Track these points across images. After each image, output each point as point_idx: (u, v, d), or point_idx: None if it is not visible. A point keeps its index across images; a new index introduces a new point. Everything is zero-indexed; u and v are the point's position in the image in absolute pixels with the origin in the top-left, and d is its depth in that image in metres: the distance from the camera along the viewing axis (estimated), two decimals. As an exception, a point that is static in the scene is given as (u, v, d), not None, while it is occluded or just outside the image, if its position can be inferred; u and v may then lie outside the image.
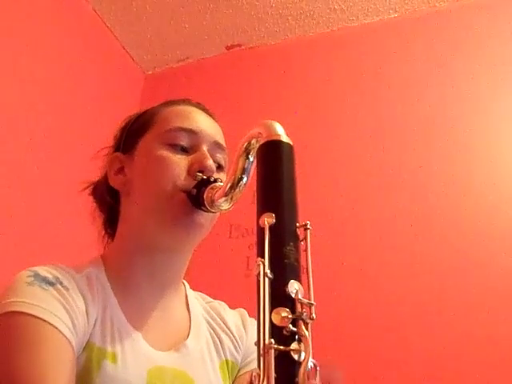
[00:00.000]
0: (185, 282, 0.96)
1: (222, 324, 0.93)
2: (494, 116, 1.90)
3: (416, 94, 2.04)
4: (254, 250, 1.98)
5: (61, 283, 0.75)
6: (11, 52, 1.80)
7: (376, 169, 1.96)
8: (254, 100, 2.28)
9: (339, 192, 1.96)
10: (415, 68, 2.09)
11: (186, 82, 2.40)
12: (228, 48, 2.42)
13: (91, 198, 0.98)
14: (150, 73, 2.54)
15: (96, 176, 0.97)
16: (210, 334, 0.90)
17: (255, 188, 0.65)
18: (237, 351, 0.91)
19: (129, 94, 2.41)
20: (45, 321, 0.69)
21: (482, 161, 1.84)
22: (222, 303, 0.99)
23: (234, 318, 0.96)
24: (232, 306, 1.00)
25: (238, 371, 0.91)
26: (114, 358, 0.75)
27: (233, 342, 0.92)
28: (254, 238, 2.05)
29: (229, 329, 0.93)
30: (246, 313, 0.97)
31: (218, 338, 0.90)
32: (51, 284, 0.74)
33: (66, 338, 0.69)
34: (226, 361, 0.89)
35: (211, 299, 0.99)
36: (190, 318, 0.90)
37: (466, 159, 1.86)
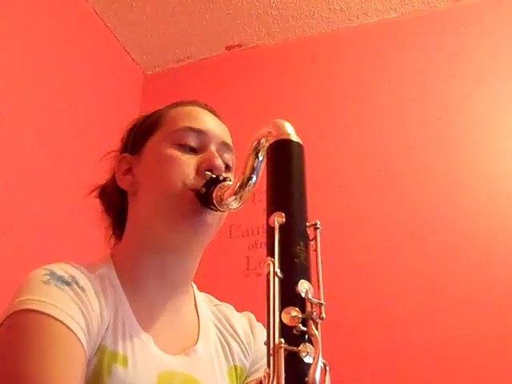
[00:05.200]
0: (193, 283, 0.95)
1: (230, 329, 0.92)
2: (494, 115, 1.91)
3: (416, 94, 2.04)
4: (255, 250, 1.97)
5: (77, 283, 0.74)
6: (11, 52, 1.80)
7: (381, 168, 1.96)
8: (253, 100, 2.28)
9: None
10: (415, 68, 2.09)
11: (186, 82, 2.40)
12: (228, 48, 2.42)
13: (90, 199, 0.97)
14: (149, 73, 2.54)
15: (97, 175, 0.97)
16: (219, 338, 0.90)
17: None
18: (245, 357, 0.91)
19: (129, 93, 2.41)
20: (59, 321, 0.68)
21: (485, 160, 1.85)
22: (230, 306, 0.98)
23: (242, 322, 0.95)
24: (232, 306, 1.00)
25: (246, 378, 0.90)
26: (125, 362, 0.74)
27: (241, 348, 0.91)
28: (254, 238, 2.04)
29: (237, 334, 0.92)
30: (254, 317, 0.97)
31: (227, 343, 0.90)
32: (67, 284, 0.73)
33: (79, 341, 0.69)
34: (235, 366, 0.88)
35: (218, 302, 0.98)
36: (198, 321, 0.89)
37: (469, 157, 1.87)
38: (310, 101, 2.18)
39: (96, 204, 0.97)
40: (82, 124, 2.06)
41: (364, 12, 2.22)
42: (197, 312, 0.91)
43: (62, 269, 0.75)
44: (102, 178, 0.97)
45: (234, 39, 2.38)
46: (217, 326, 0.91)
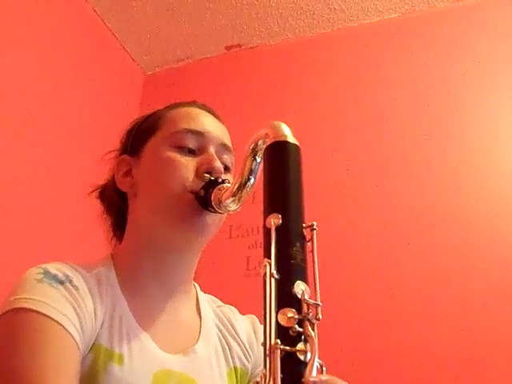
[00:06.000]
0: (196, 284, 0.95)
1: (232, 331, 0.92)
2: (493, 114, 1.91)
3: (416, 94, 2.04)
4: (255, 250, 1.97)
5: (70, 282, 0.74)
6: (11, 52, 1.80)
7: (379, 169, 1.96)
8: (253, 100, 2.28)
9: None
10: (415, 68, 2.09)
11: (186, 82, 2.40)
12: (228, 48, 2.42)
13: (92, 199, 0.98)
14: (150, 73, 2.54)
15: (98, 175, 0.97)
16: (220, 340, 0.89)
17: (261, 189, 0.65)
18: (246, 359, 0.91)
19: (129, 94, 2.41)
20: (53, 319, 0.68)
21: (485, 160, 1.85)
22: (233, 308, 0.98)
23: (245, 325, 0.95)
24: (232, 306, 1.00)
25: (249, 380, 0.90)
26: (121, 360, 0.74)
27: (242, 350, 0.91)
28: (254, 238, 2.04)
29: (238, 336, 0.92)
30: (257, 319, 0.97)
31: (228, 344, 0.90)
32: (61, 282, 0.73)
33: (73, 339, 0.69)
34: (235, 368, 0.88)
35: (222, 303, 0.99)
36: (200, 322, 0.89)
37: (469, 158, 1.87)
38: (309, 101, 2.18)
39: (97, 204, 0.97)
40: (83, 124, 2.06)
41: (364, 12, 2.22)
42: (198, 312, 0.91)
43: (56, 268, 0.76)
44: (103, 178, 0.97)
45: (233, 39, 2.38)
46: (218, 327, 0.92)
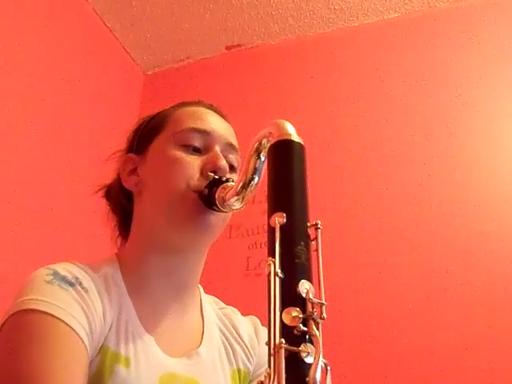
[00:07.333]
0: (200, 286, 0.95)
1: (234, 333, 0.92)
2: (494, 116, 1.91)
3: (416, 94, 2.05)
4: (255, 250, 1.96)
5: (80, 284, 0.74)
6: (11, 52, 1.80)
7: (382, 167, 1.96)
8: (253, 100, 2.28)
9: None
10: (415, 68, 2.09)
11: (186, 82, 2.40)
12: (228, 48, 2.42)
13: (96, 199, 0.97)
14: (149, 73, 2.54)
15: (98, 174, 0.97)
16: (223, 342, 0.89)
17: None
18: (249, 361, 0.90)
19: (129, 94, 2.41)
20: (62, 321, 0.68)
21: (485, 160, 1.85)
22: (235, 310, 0.98)
23: (247, 326, 0.95)
24: (232, 306, 1.00)
25: (250, 382, 0.90)
26: (128, 363, 0.74)
27: (245, 352, 0.91)
28: (254, 238, 2.03)
29: (241, 338, 0.92)
30: (259, 321, 0.97)
31: (231, 346, 0.89)
32: (71, 284, 0.73)
33: (82, 341, 0.69)
34: (238, 370, 0.88)
35: (224, 305, 0.98)
36: (203, 324, 0.89)
37: (468, 158, 1.87)
38: (310, 101, 2.18)
39: (103, 203, 0.97)
40: (83, 124, 2.06)
41: (364, 12, 2.22)
42: (202, 315, 0.91)
43: (65, 269, 0.75)
44: (103, 176, 0.97)
45: (233, 39, 2.38)
46: (221, 330, 0.91)
